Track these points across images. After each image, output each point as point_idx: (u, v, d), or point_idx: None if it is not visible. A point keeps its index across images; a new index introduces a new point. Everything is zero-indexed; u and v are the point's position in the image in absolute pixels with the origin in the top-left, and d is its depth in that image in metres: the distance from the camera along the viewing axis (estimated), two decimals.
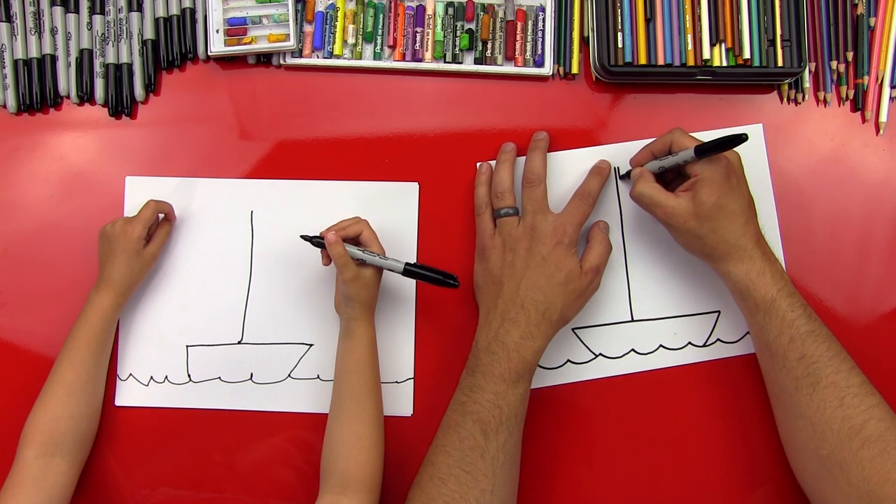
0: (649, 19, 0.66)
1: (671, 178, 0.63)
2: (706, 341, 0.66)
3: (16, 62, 0.69)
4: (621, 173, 0.67)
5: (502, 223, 0.63)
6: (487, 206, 0.65)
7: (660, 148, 0.62)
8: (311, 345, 0.67)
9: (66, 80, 0.69)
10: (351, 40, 0.68)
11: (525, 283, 0.59)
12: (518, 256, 0.60)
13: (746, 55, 0.66)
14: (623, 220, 0.67)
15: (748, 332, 0.64)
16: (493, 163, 0.67)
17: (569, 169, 0.67)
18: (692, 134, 0.67)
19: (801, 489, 0.59)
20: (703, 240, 0.58)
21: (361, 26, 0.68)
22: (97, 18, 0.69)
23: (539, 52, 0.68)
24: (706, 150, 0.57)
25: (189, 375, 0.66)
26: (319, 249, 0.62)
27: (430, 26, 0.68)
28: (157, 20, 0.69)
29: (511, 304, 0.59)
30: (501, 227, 0.62)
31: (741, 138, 0.54)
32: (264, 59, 0.69)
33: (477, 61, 0.68)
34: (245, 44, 0.67)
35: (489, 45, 0.68)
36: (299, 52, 0.69)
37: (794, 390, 0.56)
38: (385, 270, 0.62)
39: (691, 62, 0.66)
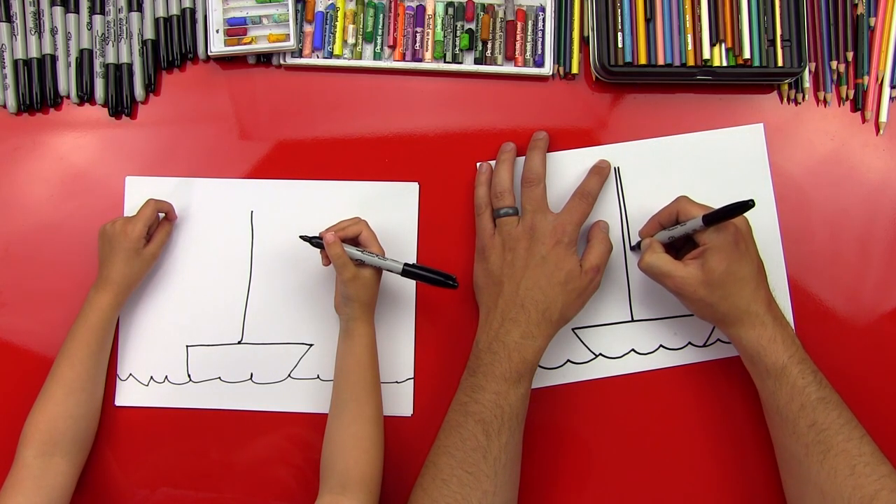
0: (649, 19, 0.66)
1: (681, 244, 0.63)
2: (706, 341, 0.66)
3: (16, 62, 0.69)
4: (632, 244, 0.67)
5: (502, 223, 0.63)
6: (487, 206, 0.65)
7: (667, 217, 0.62)
8: (311, 345, 0.67)
9: (66, 80, 0.69)
10: (351, 40, 0.68)
11: (525, 283, 0.59)
12: (518, 256, 0.60)
13: (746, 55, 0.66)
14: (624, 220, 0.67)
15: None
16: (493, 163, 0.67)
17: (569, 169, 0.67)
18: (693, 134, 0.67)
19: None
20: (714, 307, 0.58)
21: (361, 26, 0.68)
22: (97, 18, 0.69)
23: (539, 52, 0.68)
24: (714, 219, 0.56)
25: (189, 375, 0.66)
26: (319, 250, 0.62)
27: (430, 26, 0.68)
28: (157, 20, 0.69)
29: (511, 303, 0.59)
30: (501, 227, 0.62)
31: (748, 205, 0.54)
32: (264, 59, 0.69)
33: (477, 61, 0.68)
34: (245, 44, 0.67)
35: (489, 45, 0.68)
36: (299, 52, 0.69)
37: (805, 457, 0.55)
38: (385, 271, 0.62)
39: (691, 62, 0.66)
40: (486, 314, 0.61)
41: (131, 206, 0.68)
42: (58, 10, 0.68)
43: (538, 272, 0.59)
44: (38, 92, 0.69)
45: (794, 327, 0.66)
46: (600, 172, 0.64)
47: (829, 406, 0.55)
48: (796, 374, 0.56)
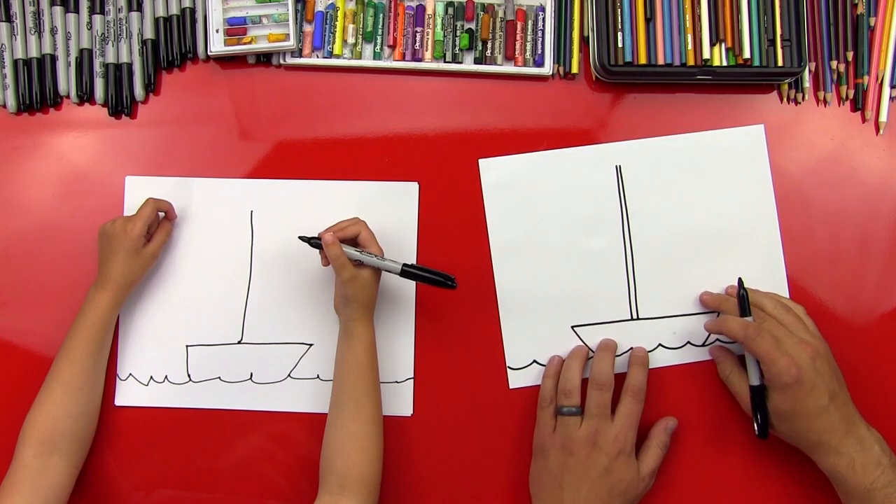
0: (649, 19, 0.66)
1: None
2: (705, 341, 0.66)
3: (16, 62, 0.69)
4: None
5: (564, 422, 0.61)
6: (552, 401, 0.63)
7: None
8: (311, 345, 0.67)
9: (66, 80, 0.69)
10: (351, 40, 0.68)
11: (588, 494, 0.59)
12: (579, 462, 0.60)
13: (746, 55, 0.66)
14: (625, 218, 0.67)
15: None
16: (562, 355, 0.65)
17: (568, 168, 0.67)
18: (693, 134, 0.67)
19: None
20: (785, 436, 0.59)
21: (361, 26, 0.68)
22: (97, 18, 0.69)
23: (539, 51, 0.68)
24: None
25: (189, 375, 0.66)
26: (318, 250, 0.62)
27: (430, 26, 0.68)
28: (157, 20, 0.69)
29: None
30: (562, 427, 0.61)
31: None
32: (264, 58, 0.69)
33: (477, 61, 0.68)
34: (245, 44, 0.67)
35: (489, 45, 0.68)
36: (299, 52, 0.69)
37: None
38: (384, 271, 0.62)
39: (691, 62, 0.66)
40: None
41: (131, 205, 0.68)
42: (58, 9, 0.68)
43: (600, 484, 0.59)
44: (38, 92, 0.69)
45: None
46: (641, 362, 0.64)
47: None
48: (882, 499, 0.55)
